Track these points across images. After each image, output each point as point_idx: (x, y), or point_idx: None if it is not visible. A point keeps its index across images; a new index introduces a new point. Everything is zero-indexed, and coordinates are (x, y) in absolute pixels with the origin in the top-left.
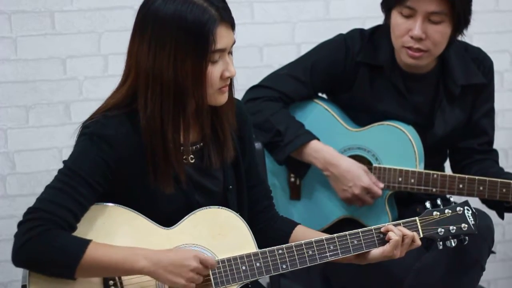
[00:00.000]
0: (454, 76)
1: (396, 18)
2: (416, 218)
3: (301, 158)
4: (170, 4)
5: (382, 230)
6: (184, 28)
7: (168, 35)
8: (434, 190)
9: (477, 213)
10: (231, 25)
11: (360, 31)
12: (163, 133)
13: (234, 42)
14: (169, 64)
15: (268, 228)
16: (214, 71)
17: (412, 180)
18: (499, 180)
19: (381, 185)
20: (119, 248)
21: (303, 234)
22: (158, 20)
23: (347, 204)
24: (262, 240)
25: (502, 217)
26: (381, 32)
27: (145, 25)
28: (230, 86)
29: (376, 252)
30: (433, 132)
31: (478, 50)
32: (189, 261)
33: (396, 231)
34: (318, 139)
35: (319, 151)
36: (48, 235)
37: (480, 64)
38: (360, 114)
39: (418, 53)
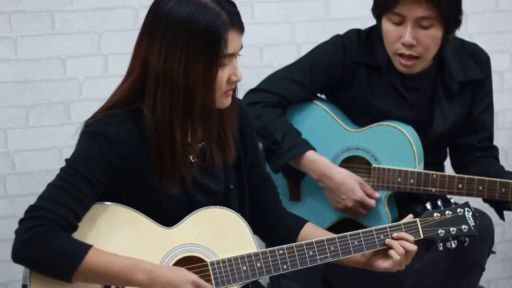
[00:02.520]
0: (452, 73)
1: (387, 25)
2: (417, 219)
3: (297, 167)
4: (183, 7)
5: (385, 242)
6: (196, 31)
7: (180, 37)
8: (433, 190)
9: (477, 214)
10: (241, 30)
11: (356, 31)
12: (171, 135)
13: (242, 47)
14: (180, 67)
15: (277, 226)
16: (223, 75)
17: (412, 181)
18: (498, 180)
19: (377, 195)
20: (120, 257)
21: (311, 232)
22: (170, 22)
23: (341, 212)
24: (271, 237)
25: (502, 218)
26: (377, 32)
27: (156, 25)
28: (234, 88)
29: (380, 266)
30: (433, 130)
31: (474, 46)
32: (186, 285)
33: (397, 250)
34: (314, 149)
35: (315, 162)
36: (49, 235)
37: (478, 59)
38: (359, 114)
39: (410, 62)
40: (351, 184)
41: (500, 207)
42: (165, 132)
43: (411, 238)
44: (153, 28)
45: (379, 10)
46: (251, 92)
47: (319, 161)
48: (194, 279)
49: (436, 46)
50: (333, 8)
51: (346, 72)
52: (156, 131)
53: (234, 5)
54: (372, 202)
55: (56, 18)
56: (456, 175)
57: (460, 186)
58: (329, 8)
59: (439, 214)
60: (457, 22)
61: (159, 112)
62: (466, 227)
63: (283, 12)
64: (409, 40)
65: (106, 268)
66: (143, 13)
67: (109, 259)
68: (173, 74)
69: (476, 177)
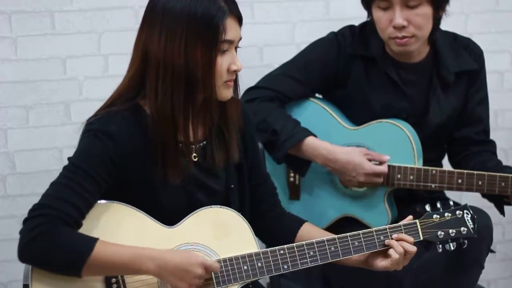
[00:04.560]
0: (447, 64)
1: (377, 12)
2: (417, 221)
3: (301, 155)
4: None
5: (385, 242)
6: (194, 17)
7: (179, 25)
8: (433, 186)
9: (476, 217)
10: (239, 19)
11: (350, 27)
12: (174, 121)
13: (240, 38)
14: (180, 53)
15: (276, 226)
16: (223, 63)
17: (411, 177)
18: (497, 174)
19: (386, 157)
20: (126, 247)
21: (310, 232)
22: (168, 12)
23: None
24: (270, 237)
25: (502, 213)
26: (371, 26)
27: (154, 17)
28: (236, 85)
29: (378, 265)
30: (429, 121)
31: (467, 39)
32: (194, 267)
33: (397, 249)
34: (315, 135)
35: (317, 148)
36: (55, 232)
37: (471, 51)
38: (357, 109)
39: (404, 40)
40: (357, 159)
41: (500, 202)
42: (167, 121)
43: (411, 239)
44: (152, 19)
45: (366, 0)
46: (249, 90)
47: (320, 146)
48: (201, 261)
49: (429, 24)
50: (333, 8)
51: (341, 67)
52: (158, 121)
53: None
54: (382, 168)
55: (56, 18)
56: (456, 170)
57: (459, 181)
58: (329, 8)
59: (438, 216)
60: None
61: (160, 99)
62: (465, 229)
63: (283, 12)
64: (400, 22)
65: (114, 260)
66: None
67: (116, 250)
68: (174, 59)
69: (475, 172)
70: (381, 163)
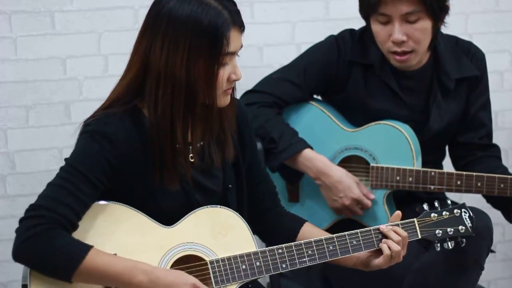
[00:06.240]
0: (448, 70)
1: (375, 25)
2: (415, 219)
3: (294, 166)
4: (186, 5)
5: (380, 228)
6: (199, 30)
7: (183, 36)
8: (432, 187)
9: (474, 216)
10: (242, 29)
11: (350, 31)
12: (172, 133)
13: (241, 46)
14: (182, 65)
15: (276, 225)
16: (224, 74)
17: (410, 179)
18: (496, 175)
19: (372, 196)
20: (120, 259)
21: (311, 232)
22: (172, 20)
23: (336, 213)
24: (270, 237)
25: (509, 220)
26: (370, 32)
27: (158, 23)
28: (233, 87)
29: (374, 263)
30: (429, 127)
31: (469, 44)
32: (186, 287)
33: (392, 246)
34: (312, 148)
35: (312, 160)
36: (50, 234)
37: (472, 56)
38: (356, 114)
39: (404, 56)
40: (349, 182)
41: (509, 208)
42: (166, 130)
43: (397, 237)
44: (155, 26)
45: (364, 12)
46: (247, 93)
47: (316, 159)
48: (194, 282)
49: (428, 37)
50: (333, 8)
51: (341, 72)
52: (157, 129)
53: (234, 3)
54: (368, 202)
55: (56, 18)
56: (455, 172)
57: (458, 182)
58: (329, 8)
59: (436, 215)
60: (444, 9)
61: (160, 109)
62: (463, 227)
63: (283, 12)
64: (399, 37)
65: (106, 269)
66: (143, 13)
67: (109, 260)
68: (175, 72)
69: (474, 174)
70: (367, 198)
